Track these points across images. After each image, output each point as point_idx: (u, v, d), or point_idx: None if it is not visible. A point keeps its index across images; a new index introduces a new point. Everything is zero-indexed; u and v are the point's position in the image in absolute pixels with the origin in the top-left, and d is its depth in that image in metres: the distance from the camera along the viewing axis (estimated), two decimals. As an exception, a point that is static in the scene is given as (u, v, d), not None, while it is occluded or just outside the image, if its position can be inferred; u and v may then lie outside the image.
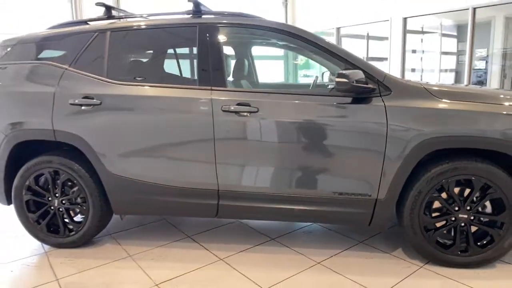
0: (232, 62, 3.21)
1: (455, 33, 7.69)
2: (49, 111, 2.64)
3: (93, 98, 2.59)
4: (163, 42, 2.86)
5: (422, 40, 8.11)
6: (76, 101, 2.60)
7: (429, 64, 8.02)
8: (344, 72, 2.21)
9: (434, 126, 2.28)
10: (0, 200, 2.89)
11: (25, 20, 5.87)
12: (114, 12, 3.02)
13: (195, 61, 2.63)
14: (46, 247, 2.84)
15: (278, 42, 3.24)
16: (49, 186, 2.76)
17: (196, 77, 2.57)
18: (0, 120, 2.74)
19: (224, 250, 2.73)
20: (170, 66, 2.82)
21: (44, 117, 2.65)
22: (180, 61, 2.98)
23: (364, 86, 2.27)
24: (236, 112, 2.43)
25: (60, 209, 2.78)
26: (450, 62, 7.95)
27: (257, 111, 2.42)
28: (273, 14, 8.66)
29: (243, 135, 2.48)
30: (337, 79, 2.21)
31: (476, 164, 2.29)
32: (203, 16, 2.73)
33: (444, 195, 2.38)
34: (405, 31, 6.99)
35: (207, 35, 2.59)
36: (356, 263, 2.52)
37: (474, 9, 5.84)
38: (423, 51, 8.12)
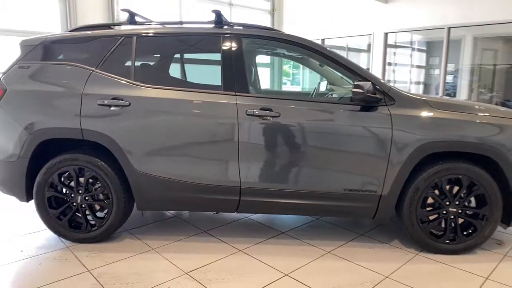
0: (251, 70, 3.46)
1: (425, 48, 8.39)
2: (77, 110, 2.76)
3: (122, 99, 2.75)
4: (188, 49, 3.07)
5: (395, 53, 8.75)
6: (105, 101, 2.75)
7: (402, 76, 8.68)
8: (359, 83, 2.54)
9: (431, 132, 2.66)
10: (19, 196, 2.96)
11: (13, 19, 5.76)
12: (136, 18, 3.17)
13: (219, 68, 2.86)
14: (66, 242, 2.94)
15: (293, 54, 3.52)
16: (73, 183, 2.87)
17: (221, 83, 2.80)
18: (24, 118, 2.82)
19: (240, 242, 2.96)
20: (193, 71, 3.02)
21: (72, 117, 2.76)
22: (204, 67, 3.19)
23: (374, 96, 2.62)
24: (259, 116, 2.70)
25: (83, 205, 2.90)
26: (420, 75, 8.65)
27: (278, 116, 2.69)
28: (260, 23, 8.95)
29: (266, 137, 2.74)
30: (354, 90, 2.54)
31: (464, 165, 2.69)
32: (224, 27, 2.97)
33: (436, 192, 2.77)
34: (385, 45, 7.55)
35: (230, 44, 2.83)
36: (361, 252, 2.85)
37: (449, 28, 6.48)
38: (395, 64, 8.77)
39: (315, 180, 2.78)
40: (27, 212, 3.57)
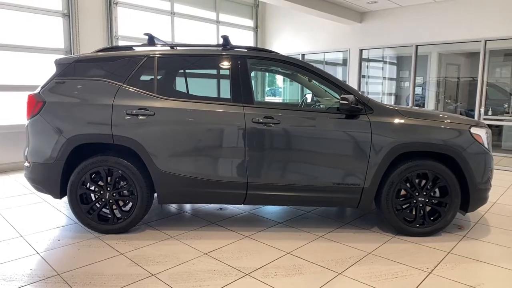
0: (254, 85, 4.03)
1: (395, 62, 9.20)
2: (108, 119, 3.25)
3: (147, 110, 3.27)
4: (202, 68, 3.62)
5: (368, 66, 9.55)
6: (134, 111, 3.25)
7: (375, 88, 9.47)
8: (345, 96, 3.16)
9: (402, 136, 3.28)
10: (54, 194, 3.40)
11: (16, 34, 6.16)
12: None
13: (227, 83, 3.41)
14: (95, 233, 3.39)
15: (286, 71, 4.10)
16: (102, 181, 3.34)
17: (230, 96, 3.35)
18: (62, 126, 3.29)
19: (246, 230, 3.49)
20: (206, 86, 3.57)
21: (104, 124, 3.25)
22: (214, 82, 3.75)
23: (357, 107, 3.23)
24: (263, 123, 3.26)
25: (111, 201, 3.37)
26: (392, 86, 9.45)
27: (279, 123, 3.27)
28: (244, 38, 9.61)
29: (268, 140, 3.30)
30: (341, 101, 3.15)
31: (430, 162, 3.32)
32: (231, 49, 3.54)
33: (408, 184, 3.38)
34: (360, 60, 8.33)
35: (238, 64, 3.40)
36: (347, 236, 3.42)
37: (417, 46, 7.29)
38: (368, 76, 9.56)
39: (309, 176, 3.35)
40: (52, 210, 4.00)
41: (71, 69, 3.43)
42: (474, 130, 3.38)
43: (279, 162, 3.33)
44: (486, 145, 3.40)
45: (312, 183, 3.34)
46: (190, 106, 3.32)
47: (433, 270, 2.79)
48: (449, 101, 8.05)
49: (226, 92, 3.40)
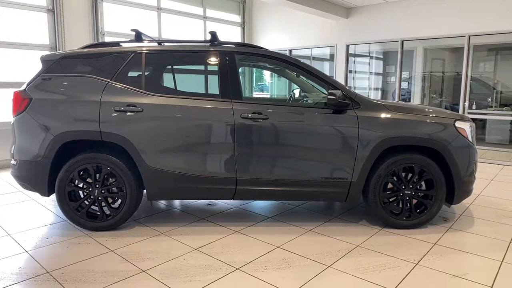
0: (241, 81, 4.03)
1: (382, 57, 9.29)
2: (96, 116, 3.23)
3: (135, 106, 3.25)
4: (190, 64, 3.61)
5: (354, 62, 9.62)
6: (122, 108, 3.24)
7: (362, 83, 9.55)
8: (333, 91, 3.19)
9: (389, 130, 3.34)
10: (42, 192, 3.37)
11: (0, 30, 6.04)
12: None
13: (216, 79, 3.41)
14: (84, 230, 3.37)
15: (274, 67, 4.11)
16: (91, 179, 3.32)
17: (218, 92, 3.36)
18: (49, 123, 3.25)
19: (235, 226, 3.52)
20: (193, 82, 3.57)
21: (92, 121, 3.23)
22: (202, 78, 3.74)
23: (344, 102, 3.27)
24: (252, 119, 3.28)
25: (99, 198, 3.35)
26: (378, 81, 9.55)
27: (267, 118, 3.29)
28: (231, 34, 9.58)
29: (257, 136, 3.32)
30: (329, 97, 3.18)
31: (416, 156, 3.39)
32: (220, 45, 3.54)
33: (394, 178, 3.44)
34: (347, 55, 8.39)
35: (226, 60, 3.41)
36: (336, 229, 3.47)
37: (402, 41, 7.38)
38: (355, 72, 9.64)
39: (298, 171, 3.38)
40: (40, 208, 3.97)
41: (57, 65, 3.39)
42: (458, 124, 3.45)
43: (268, 157, 3.36)
44: (470, 139, 3.48)
45: (300, 177, 3.38)
46: (178, 102, 3.32)
47: (419, 261, 2.86)
48: (434, 95, 8.18)
49: (214, 88, 3.41)
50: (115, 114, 3.24)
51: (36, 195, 3.70)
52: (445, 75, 8.62)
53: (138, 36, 3.63)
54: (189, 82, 3.57)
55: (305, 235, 3.35)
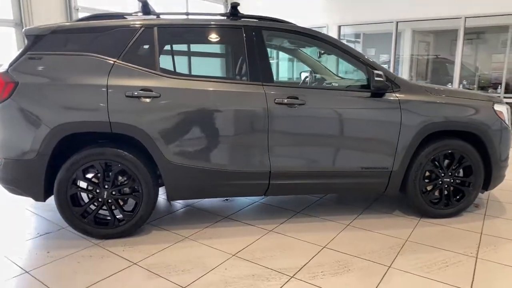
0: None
1: (373, 39, 9.13)
2: (104, 103, 2.68)
3: (151, 91, 2.73)
4: (210, 41, 3.11)
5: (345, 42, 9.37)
6: (135, 93, 2.71)
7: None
8: (379, 72, 2.87)
9: (432, 114, 3.09)
10: (36, 196, 2.79)
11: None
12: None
13: (241, 59, 2.97)
14: (92, 239, 2.84)
15: (309, 45, 3.66)
16: (98, 178, 2.79)
17: (248, 73, 2.91)
18: (43, 113, 2.66)
19: (266, 223, 3.15)
20: (214, 62, 3.09)
21: (99, 110, 2.68)
22: (226, 58, 3.26)
23: (387, 84, 2.96)
24: (287, 104, 2.88)
25: (109, 201, 2.83)
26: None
27: (304, 103, 2.91)
28: (213, 11, 8.94)
29: (293, 123, 2.93)
30: (376, 78, 2.85)
31: (456, 141, 3.18)
32: (242, 19, 3.07)
33: (435, 165, 3.22)
34: (339, 37, 8.09)
35: (254, 36, 2.96)
36: (374, 222, 3.21)
37: (397, 22, 7.21)
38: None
39: (336, 161, 3.05)
40: (28, 214, 3.35)
41: (47, 41, 2.76)
42: (497, 107, 3.28)
43: (304, 147, 3.00)
44: (507, 122, 3.33)
45: (338, 168, 3.06)
46: (201, 86, 2.84)
47: (477, 254, 2.67)
48: (417, 78, 8.12)
49: (240, 69, 2.96)
50: (127, 101, 2.71)
51: (20, 199, 3.09)
52: (429, 58, 8.62)
53: (145, 7, 3.06)
54: (207, 63, 3.07)
55: (345, 231, 3.05)
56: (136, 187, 2.84)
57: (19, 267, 2.49)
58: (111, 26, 2.85)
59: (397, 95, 3.07)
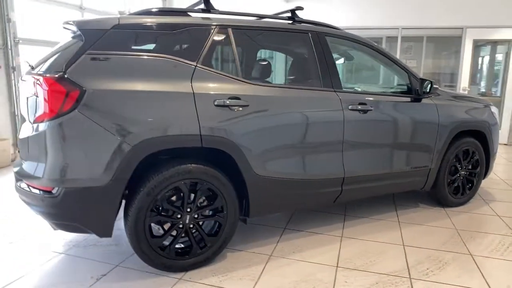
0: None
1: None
2: (193, 114, 2.31)
3: (239, 99, 2.46)
4: (281, 45, 2.92)
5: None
6: (227, 102, 2.40)
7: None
8: (426, 79, 3.16)
9: (459, 116, 3.52)
10: (103, 231, 2.25)
11: None
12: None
13: (309, 65, 2.89)
14: (170, 275, 2.42)
15: (362, 53, 3.62)
16: (181, 201, 2.39)
17: (319, 80, 2.84)
18: (121, 127, 2.15)
19: (329, 230, 3.14)
20: (278, 68, 2.93)
21: (188, 122, 2.29)
22: (296, 64, 3.07)
23: (435, 87, 3.29)
24: (360, 110, 2.93)
25: (191, 226, 2.45)
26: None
27: (372, 109, 3.00)
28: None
29: (363, 129, 2.99)
30: (425, 85, 3.15)
31: (471, 139, 3.68)
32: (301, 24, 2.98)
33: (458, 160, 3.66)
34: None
35: (320, 42, 2.91)
36: (415, 216, 3.47)
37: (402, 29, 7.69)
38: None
39: (395, 162, 3.23)
40: (64, 257, 2.64)
41: (109, 38, 2.24)
42: (492, 108, 3.91)
43: (372, 150, 3.08)
44: (497, 120, 4.00)
45: (395, 169, 3.24)
46: (286, 93, 2.68)
47: (519, 233, 3.15)
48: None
49: (314, 76, 2.88)
50: (217, 111, 2.38)
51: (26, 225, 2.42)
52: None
53: (207, 3, 2.70)
54: (284, 69, 2.89)
55: (405, 228, 3.23)
56: (220, 207, 2.51)
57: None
58: (183, 24, 2.46)
59: (434, 100, 3.40)
